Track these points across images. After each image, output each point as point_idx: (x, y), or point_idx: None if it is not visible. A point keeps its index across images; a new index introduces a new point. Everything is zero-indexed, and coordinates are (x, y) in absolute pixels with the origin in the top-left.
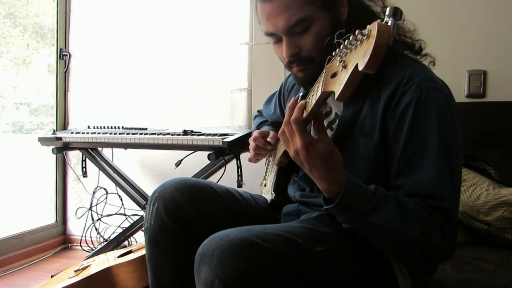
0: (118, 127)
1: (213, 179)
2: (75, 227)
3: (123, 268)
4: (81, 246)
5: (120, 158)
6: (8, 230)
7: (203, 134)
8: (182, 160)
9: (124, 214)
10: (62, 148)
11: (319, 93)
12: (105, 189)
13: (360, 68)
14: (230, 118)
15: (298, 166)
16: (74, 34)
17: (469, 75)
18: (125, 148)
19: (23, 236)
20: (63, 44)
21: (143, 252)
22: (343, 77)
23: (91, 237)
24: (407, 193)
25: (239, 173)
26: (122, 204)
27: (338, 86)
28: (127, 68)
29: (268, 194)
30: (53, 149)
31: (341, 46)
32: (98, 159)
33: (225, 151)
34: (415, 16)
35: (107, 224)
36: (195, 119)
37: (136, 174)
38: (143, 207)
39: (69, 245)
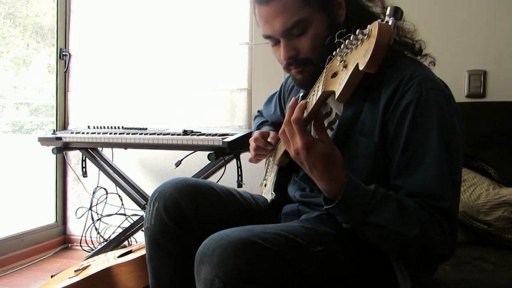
0: (118, 127)
1: (213, 179)
2: (75, 227)
3: (123, 268)
4: (81, 246)
5: (120, 158)
6: (8, 230)
7: (203, 134)
8: (182, 160)
9: (124, 214)
10: (62, 148)
11: (319, 93)
12: (105, 189)
13: (361, 67)
14: (230, 118)
15: (299, 166)
16: (74, 34)
17: (469, 75)
18: (125, 148)
19: (23, 236)
20: (63, 44)
21: (143, 252)
22: (344, 76)
23: (91, 237)
24: (407, 193)
25: (239, 173)
26: (122, 204)
27: (338, 85)
28: (127, 68)
29: (268, 194)
30: (53, 149)
31: (342, 46)
32: (98, 159)
33: (225, 151)
34: (415, 16)
35: (107, 224)
36: (195, 119)
37: (136, 174)
38: (143, 207)
39: (69, 245)
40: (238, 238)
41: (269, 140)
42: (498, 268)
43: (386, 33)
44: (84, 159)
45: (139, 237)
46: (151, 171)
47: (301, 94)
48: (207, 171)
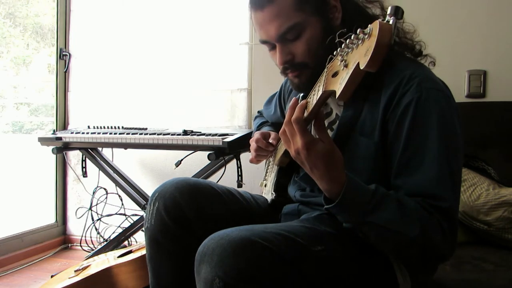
0: (118, 127)
1: (213, 179)
2: (75, 227)
3: (123, 268)
4: (81, 246)
5: (120, 158)
6: (8, 230)
7: (203, 134)
8: (182, 160)
9: (124, 214)
10: (62, 148)
11: (320, 93)
12: (105, 189)
13: (362, 66)
14: (230, 118)
15: (299, 166)
16: (74, 34)
17: (469, 75)
18: (125, 148)
19: (23, 236)
20: (63, 44)
21: (143, 252)
22: (345, 76)
23: (91, 237)
24: (407, 193)
25: (239, 173)
26: (122, 204)
27: (339, 85)
28: (127, 68)
29: (268, 194)
30: (53, 149)
31: (343, 46)
32: (98, 159)
33: (225, 151)
34: (415, 16)
35: (107, 224)
36: (195, 119)
37: (136, 174)
38: (143, 207)
39: (69, 245)
40: (238, 237)
41: (270, 141)
42: (498, 268)
43: (387, 33)
44: (84, 159)
45: (139, 237)
46: (151, 171)
47: (301, 94)
48: (207, 171)
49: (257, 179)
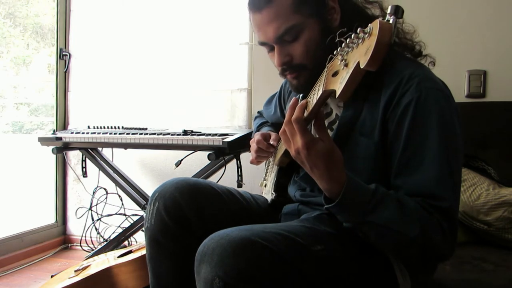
0: (118, 127)
1: (213, 179)
2: (75, 227)
3: (123, 268)
4: (81, 246)
5: (120, 158)
6: (8, 230)
7: (203, 134)
8: (182, 160)
9: (124, 214)
10: (62, 148)
11: (320, 92)
12: (105, 189)
13: (362, 65)
14: (230, 118)
15: (299, 166)
16: (74, 34)
17: (469, 75)
18: (125, 148)
19: (23, 236)
20: (63, 44)
21: (143, 252)
22: (345, 75)
23: (91, 237)
24: (407, 193)
25: (239, 173)
26: (122, 204)
27: (339, 84)
28: (127, 68)
29: (268, 194)
30: (53, 149)
31: (343, 45)
32: (98, 159)
33: (225, 151)
34: (415, 16)
35: (107, 224)
36: (195, 119)
37: (136, 174)
38: (143, 207)
39: (69, 245)
40: (238, 237)
41: (271, 142)
42: (498, 268)
43: (387, 32)
44: (84, 159)
45: (139, 237)
46: (151, 171)
47: (301, 94)
48: (207, 171)
49: (257, 179)
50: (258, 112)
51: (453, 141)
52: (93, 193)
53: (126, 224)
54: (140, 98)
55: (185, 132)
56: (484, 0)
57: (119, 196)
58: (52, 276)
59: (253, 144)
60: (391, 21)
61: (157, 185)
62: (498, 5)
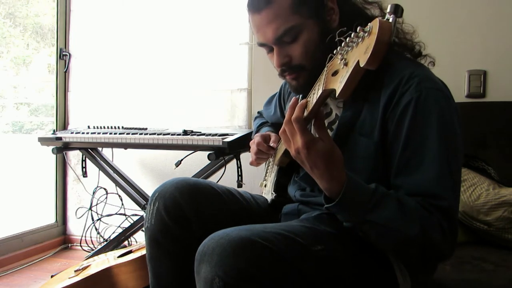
0: (118, 127)
1: (213, 179)
2: (75, 227)
3: (123, 268)
4: (81, 246)
5: (120, 158)
6: (8, 230)
7: (203, 134)
8: (182, 160)
9: (124, 214)
10: (62, 148)
11: (320, 91)
12: (105, 189)
13: (362, 64)
14: (230, 118)
15: (299, 166)
16: (74, 34)
17: (469, 75)
18: (125, 148)
19: (23, 236)
20: (63, 44)
21: (143, 252)
22: (345, 74)
23: (91, 237)
24: (407, 192)
25: (239, 173)
26: (122, 204)
27: (339, 83)
28: (127, 68)
29: (268, 194)
30: (53, 149)
31: (343, 44)
32: (98, 159)
33: (225, 151)
34: (415, 16)
35: (107, 224)
36: (195, 119)
37: (136, 174)
38: (143, 207)
39: (69, 245)
40: (238, 237)
41: (271, 144)
42: (498, 268)
43: (386, 30)
44: (84, 159)
45: (139, 237)
46: (151, 171)
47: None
48: (207, 171)
49: (257, 179)
50: (258, 112)
51: (453, 141)
52: (93, 193)
53: (126, 224)
54: (140, 98)
55: (185, 132)
56: (484, 0)
57: (119, 196)
58: (52, 276)
59: (252, 145)
60: (390, 20)
61: (157, 185)
62: (498, 5)
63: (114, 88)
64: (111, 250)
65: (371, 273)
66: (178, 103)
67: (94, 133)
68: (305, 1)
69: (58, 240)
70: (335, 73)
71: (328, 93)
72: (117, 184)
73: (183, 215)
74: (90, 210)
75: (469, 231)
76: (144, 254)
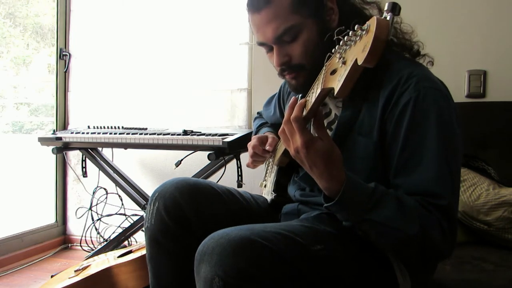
0: (118, 127)
1: (213, 179)
2: (75, 227)
3: (123, 268)
4: (81, 246)
5: (120, 158)
6: (8, 230)
7: (203, 134)
8: (182, 160)
9: (124, 214)
10: (62, 148)
11: (319, 90)
12: (105, 189)
13: (360, 62)
14: (230, 118)
15: (298, 166)
16: (74, 34)
17: (469, 75)
18: (125, 148)
19: (23, 236)
20: (63, 44)
21: (143, 252)
22: (343, 73)
23: (91, 237)
24: (407, 192)
25: (239, 173)
26: (122, 204)
27: (337, 82)
28: (127, 68)
29: (268, 194)
30: (53, 149)
31: (341, 43)
32: (98, 159)
33: (225, 151)
34: (415, 16)
35: (107, 224)
36: (195, 119)
37: (136, 174)
38: (143, 207)
39: (69, 245)
40: (237, 237)
41: (266, 147)
42: (498, 268)
43: (384, 28)
44: (84, 159)
45: (139, 237)
46: (151, 171)
47: (300, 94)
48: (207, 171)
49: (257, 179)
50: (258, 113)
51: (452, 141)
52: (93, 193)
53: (126, 224)
54: (140, 98)
55: (185, 132)
56: (484, 0)
57: (119, 196)
58: (52, 276)
59: (249, 148)
60: (388, 18)
61: (157, 185)
62: (498, 5)
63: (114, 88)
64: (111, 250)
65: (371, 273)
66: (178, 103)
67: (94, 133)
68: (305, 0)
69: (58, 240)
70: (333, 72)
71: (327, 92)
72: (117, 184)
73: (183, 215)
74: (90, 210)
75: (469, 231)
76: (144, 254)
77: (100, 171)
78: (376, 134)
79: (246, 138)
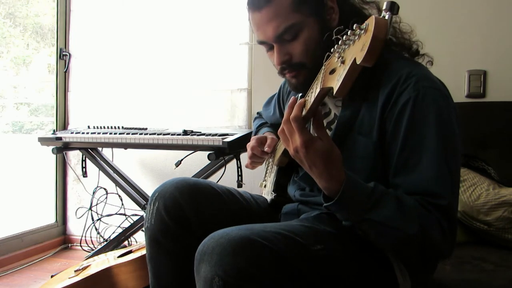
0: (118, 127)
1: (213, 179)
2: (75, 227)
3: (123, 268)
4: (81, 246)
5: (120, 158)
6: (8, 230)
7: (203, 134)
8: (182, 160)
9: (124, 214)
10: (62, 148)
11: (318, 90)
12: (105, 189)
13: (358, 61)
14: (230, 118)
15: (298, 166)
16: (74, 34)
17: (469, 75)
18: (125, 148)
19: (23, 236)
20: (63, 44)
21: (143, 252)
22: (342, 72)
23: (91, 237)
24: (406, 191)
25: (239, 173)
26: (122, 204)
27: (336, 81)
28: (127, 68)
29: (268, 194)
30: (53, 149)
31: (340, 42)
32: (98, 159)
33: (225, 151)
34: (415, 16)
35: (107, 224)
36: (195, 119)
37: (136, 174)
38: (143, 207)
39: (69, 245)
40: (237, 236)
41: (265, 149)
42: (498, 268)
43: (382, 27)
44: (84, 159)
45: (139, 237)
46: (151, 171)
47: (300, 94)
48: (207, 171)
49: (257, 179)
50: (258, 113)
51: (451, 141)
52: (93, 193)
53: (126, 224)
54: (140, 98)
55: (185, 132)
56: (484, 0)
57: (119, 196)
58: (52, 276)
59: (248, 148)
60: (386, 17)
61: (157, 185)
62: (498, 5)
63: (114, 88)
64: (111, 250)
65: (371, 272)
66: (178, 103)
67: (94, 133)
68: None
69: (58, 240)
70: (332, 71)
71: (326, 92)
72: (117, 184)
73: (183, 215)
74: (90, 210)
75: (469, 231)
76: (144, 254)
77: (100, 171)
78: (375, 134)
79: (246, 138)
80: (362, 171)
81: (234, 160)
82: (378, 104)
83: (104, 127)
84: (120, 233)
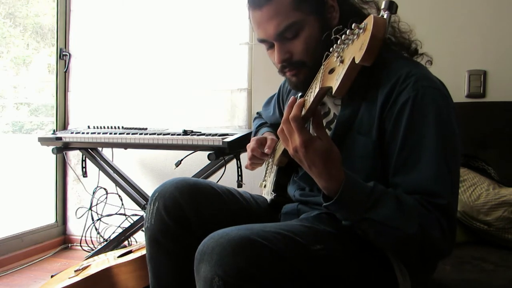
0: (118, 127)
1: (213, 179)
2: (75, 227)
3: (123, 268)
4: (81, 246)
5: (120, 158)
6: (8, 230)
7: (203, 134)
8: (182, 160)
9: (124, 214)
10: (62, 148)
11: (317, 90)
12: (105, 189)
13: (357, 60)
14: (230, 118)
15: (298, 166)
16: (74, 34)
17: (469, 75)
18: (125, 148)
19: (23, 236)
20: (63, 44)
21: (143, 252)
22: (341, 71)
23: (91, 237)
24: (405, 191)
25: (239, 173)
26: (122, 204)
27: (335, 81)
28: (127, 68)
29: (268, 194)
30: (53, 149)
31: (339, 42)
32: (98, 159)
33: (225, 151)
34: (415, 16)
35: (107, 224)
36: (195, 119)
37: (136, 174)
38: (143, 207)
39: (69, 245)
40: (237, 236)
41: (265, 150)
42: (498, 268)
43: (381, 27)
44: (84, 159)
45: (139, 237)
46: (151, 171)
47: (299, 94)
48: (207, 171)
49: (257, 179)
50: (257, 113)
51: (451, 140)
52: (93, 193)
53: (126, 224)
54: (140, 98)
55: (185, 132)
56: (484, 0)
57: (119, 196)
58: (52, 276)
59: (248, 149)
60: (385, 16)
61: (157, 185)
62: (498, 5)
63: (114, 88)
64: (111, 250)
65: (371, 272)
66: (178, 103)
67: (94, 133)
68: None
69: (58, 240)
70: (331, 71)
71: (325, 91)
72: (117, 184)
73: (183, 215)
74: (90, 210)
75: (469, 231)
76: (144, 254)
77: (100, 171)
78: (375, 133)
79: (246, 138)
80: (362, 170)
81: (234, 160)
82: (377, 104)
83: (104, 127)
84: (120, 233)
